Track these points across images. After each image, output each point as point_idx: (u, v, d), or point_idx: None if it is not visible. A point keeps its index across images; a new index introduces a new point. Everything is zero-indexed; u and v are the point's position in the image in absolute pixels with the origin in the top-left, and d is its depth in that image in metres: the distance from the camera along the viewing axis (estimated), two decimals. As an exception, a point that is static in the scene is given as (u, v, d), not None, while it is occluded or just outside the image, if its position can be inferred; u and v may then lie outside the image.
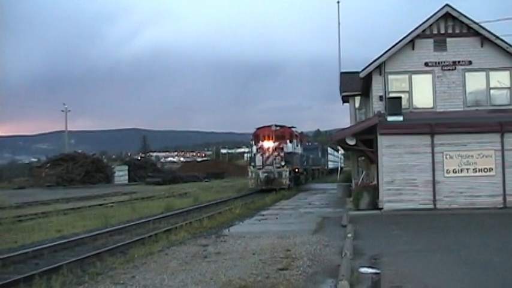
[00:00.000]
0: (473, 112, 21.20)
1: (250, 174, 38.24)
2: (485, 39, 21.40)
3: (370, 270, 9.60)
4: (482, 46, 21.51)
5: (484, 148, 20.37)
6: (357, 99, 28.32)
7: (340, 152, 74.70)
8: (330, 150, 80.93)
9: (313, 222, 18.47)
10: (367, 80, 22.91)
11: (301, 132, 48.15)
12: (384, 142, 20.69)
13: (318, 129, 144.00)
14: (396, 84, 21.96)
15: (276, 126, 39.55)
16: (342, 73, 29.60)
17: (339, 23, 32.57)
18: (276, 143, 38.02)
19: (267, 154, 37.71)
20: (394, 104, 20.93)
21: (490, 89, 21.57)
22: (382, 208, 20.34)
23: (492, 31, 21.44)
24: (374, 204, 20.85)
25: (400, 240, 13.75)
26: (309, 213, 22.12)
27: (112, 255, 12.83)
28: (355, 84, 25.93)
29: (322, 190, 39.01)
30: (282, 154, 37.56)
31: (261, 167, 37.38)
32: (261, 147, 38.20)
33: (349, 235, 14.05)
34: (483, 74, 21.53)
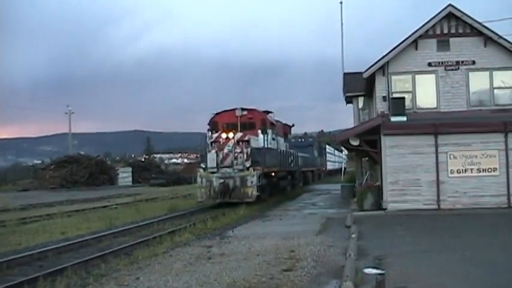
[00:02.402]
0: (477, 112, 21.15)
1: (199, 180, 25.94)
2: (488, 38, 21.36)
3: (374, 270, 9.59)
4: (485, 46, 21.46)
5: (488, 148, 20.32)
6: (361, 100, 28.26)
7: (344, 153, 69.73)
8: (329, 148, 73.92)
9: (317, 223, 18.46)
10: (371, 81, 22.88)
11: (285, 124, 36.29)
12: (387, 142, 20.66)
13: (322, 130, 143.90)
14: (400, 84, 21.93)
15: (243, 110, 28.28)
16: (345, 73, 29.55)
17: (342, 24, 32.53)
18: (240, 135, 26.75)
19: (225, 150, 25.89)
20: (397, 104, 20.90)
21: (494, 88, 21.51)
22: (386, 209, 20.31)
23: (495, 31, 21.40)
24: (378, 205, 20.82)
25: (405, 240, 13.72)
26: (312, 214, 22.12)
27: (116, 256, 12.85)
28: (359, 85, 25.90)
29: (327, 191, 38.92)
30: (247, 150, 25.62)
31: (215, 169, 25.50)
32: (217, 141, 26.64)
33: (353, 236, 14.03)
34: (486, 73, 21.48)
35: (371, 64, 21.90)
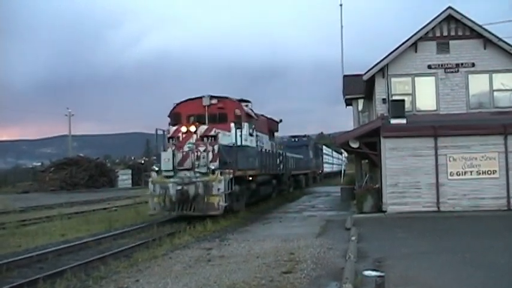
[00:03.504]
0: (477, 114, 21.17)
1: (150, 187, 20.43)
2: (488, 41, 21.38)
3: (374, 273, 9.58)
4: (485, 48, 21.48)
5: (488, 150, 20.33)
6: (360, 102, 28.27)
7: (343, 155, 69.77)
8: (326, 149, 70.57)
9: (316, 225, 18.46)
10: (370, 83, 22.89)
11: (271, 119, 30.52)
12: (387, 145, 20.67)
13: (322, 132, 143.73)
14: (399, 86, 21.95)
15: (212, 98, 23.03)
16: (345, 76, 29.58)
17: (341, 26, 32.59)
18: (204, 128, 21.28)
19: (185, 148, 20.41)
20: (397, 106, 20.92)
21: (493, 91, 21.52)
22: (385, 211, 20.30)
23: (495, 33, 21.44)
24: (378, 207, 20.82)
25: (404, 242, 13.72)
26: (312, 216, 22.12)
27: (116, 259, 12.85)
28: (358, 87, 25.92)
29: (326, 193, 38.90)
30: (214, 148, 20.09)
31: (172, 173, 20.04)
32: (175, 136, 21.42)
33: (353, 238, 14.03)
34: (486, 76, 21.50)
35: (371, 66, 21.93)
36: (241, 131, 22.13)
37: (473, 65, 21.50)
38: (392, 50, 21.70)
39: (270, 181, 29.10)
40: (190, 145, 20.52)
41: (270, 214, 23.61)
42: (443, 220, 18.23)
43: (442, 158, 20.39)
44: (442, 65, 21.59)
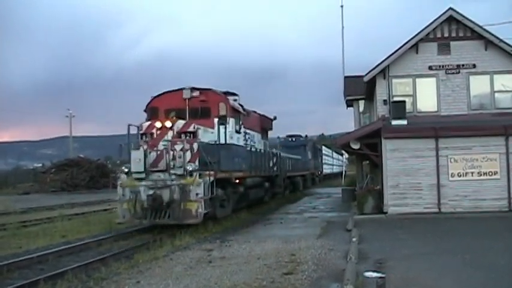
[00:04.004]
0: (478, 115, 21.15)
1: (119, 191, 18.06)
2: (489, 42, 21.38)
3: (375, 274, 9.58)
4: (486, 49, 21.48)
5: (489, 151, 20.30)
6: (361, 103, 28.29)
7: (344, 156, 68.16)
8: (326, 150, 68.42)
9: (317, 226, 18.46)
10: (371, 84, 22.89)
11: (263, 116, 27.89)
12: (388, 146, 20.65)
13: (322, 133, 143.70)
14: (400, 88, 21.94)
15: (194, 90, 20.55)
16: (345, 77, 29.57)
17: (342, 27, 32.61)
18: (182, 123, 18.50)
19: (159, 147, 18.03)
20: (398, 107, 20.90)
21: (494, 92, 21.51)
22: (386, 212, 20.28)
23: (496, 34, 21.44)
24: (379, 208, 20.80)
25: (405, 244, 13.71)
26: (313, 217, 22.11)
27: (117, 260, 12.85)
28: (359, 88, 25.92)
29: (327, 194, 38.86)
30: (193, 147, 17.71)
31: (144, 174, 17.79)
32: (149, 133, 18.55)
33: (354, 239, 14.03)
34: (487, 77, 21.49)
35: (372, 67, 21.93)
36: (225, 128, 19.56)
37: (474, 66, 21.49)
38: (393, 51, 21.70)
39: (261, 184, 26.73)
40: (165, 143, 17.98)
41: (271, 215, 23.60)
42: (444, 221, 18.22)
43: (443, 159, 20.37)
44: (443, 66, 21.59)
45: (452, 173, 20.33)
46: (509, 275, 9.83)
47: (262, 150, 26.53)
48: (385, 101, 21.74)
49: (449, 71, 21.56)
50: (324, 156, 64.14)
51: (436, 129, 20.45)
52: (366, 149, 21.60)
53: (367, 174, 26.73)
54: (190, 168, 17.39)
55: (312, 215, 23.35)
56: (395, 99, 21.45)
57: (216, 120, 19.76)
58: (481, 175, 20.27)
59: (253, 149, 24.14)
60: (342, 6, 32.64)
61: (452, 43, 21.67)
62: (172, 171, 17.57)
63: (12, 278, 11.40)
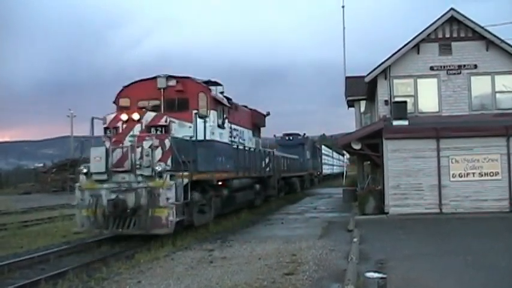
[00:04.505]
0: (479, 116, 21.14)
1: (77, 195, 15.57)
2: (490, 42, 21.37)
3: (376, 274, 9.57)
4: (487, 50, 21.47)
5: (490, 152, 20.30)
6: (362, 104, 28.29)
7: (345, 156, 66.64)
8: (326, 149, 66.38)
9: (318, 226, 18.45)
10: (372, 85, 22.88)
11: (255, 111, 25.85)
12: (389, 146, 20.64)
13: (324, 134, 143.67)
14: (401, 88, 21.94)
15: (170, 78, 18.37)
16: (347, 77, 29.57)
17: (344, 28, 32.84)
18: (151, 116, 16.09)
19: (125, 143, 15.47)
20: (399, 108, 20.90)
21: (496, 92, 21.50)
22: (387, 213, 20.27)
23: (497, 35, 21.44)
24: (380, 209, 20.80)
25: (406, 244, 13.70)
26: (314, 217, 22.10)
27: (118, 260, 12.84)
28: (361, 89, 25.92)
29: (328, 194, 38.84)
30: (164, 143, 15.40)
31: (105, 176, 15.33)
32: (114, 126, 16.03)
33: (355, 240, 14.02)
34: (488, 77, 21.48)
35: (373, 68, 21.92)
36: (205, 122, 16.98)
37: (475, 66, 21.48)
38: (394, 51, 21.70)
39: (251, 186, 24.31)
40: (131, 138, 15.34)
41: (271, 215, 23.60)
42: (445, 222, 18.21)
43: (444, 159, 20.36)
44: (444, 67, 21.58)
45: (453, 174, 20.32)
46: (511, 277, 9.81)
47: (253, 149, 24.38)
48: (386, 101, 21.74)
49: (451, 72, 21.55)
50: (323, 156, 61.66)
51: (437, 129, 20.44)
52: (367, 149, 21.59)
53: (368, 175, 26.74)
54: (160, 169, 14.78)
55: (313, 215, 23.34)
56: (397, 99, 21.45)
57: (192, 113, 17.05)
58: (482, 176, 20.26)
59: (240, 147, 21.81)
60: (343, 7, 32.62)
61: (453, 43, 21.65)
62: (138, 172, 15.00)
63: (14, 278, 11.41)
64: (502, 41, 21.24)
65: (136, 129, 15.66)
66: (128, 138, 15.48)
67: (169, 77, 18.34)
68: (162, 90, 18.29)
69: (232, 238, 16.24)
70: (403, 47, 21.63)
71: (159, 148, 15.21)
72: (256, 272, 10.77)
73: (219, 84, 20.09)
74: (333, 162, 74.69)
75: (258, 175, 24.90)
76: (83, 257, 13.89)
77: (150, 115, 16.05)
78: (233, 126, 21.26)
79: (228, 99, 20.80)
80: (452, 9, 21.45)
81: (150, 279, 10.49)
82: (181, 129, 16.69)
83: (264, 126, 28.09)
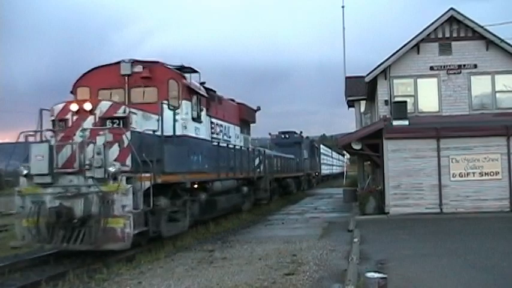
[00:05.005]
0: (479, 116, 21.14)
1: (17, 202, 13.10)
2: (490, 42, 21.37)
3: (376, 275, 9.54)
4: (487, 49, 21.47)
5: (490, 152, 20.29)
6: (363, 104, 28.31)
7: (346, 156, 64.66)
8: (325, 149, 64.39)
9: (319, 227, 18.46)
10: (373, 85, 22.88)
11: (242, 105, 23.19)
12: (389, 146, 20.64)
13: (324, 134, 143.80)
14: (401, 88, 21.94)
15: (136, 64, 15.83)
16: (347, 78, 29.60)
17: (343, 28, 32.83)
18: (107, 105, 13.35)
19: (75, 138, 12.86)
20: (399, 108, 20.90)
21: (496, 92, 21.50)
22: (388, 212, 20.27)
23: (497, 34, 21.43)
24: (380, 209, 20.80)
25: (407, 244, 13.69)
26: (314, 217, 22.10)
27: (118, 261, 12.82)
28: (361, 89, 25.93)
29: (329, 195, 38.84)
30: (122, 139, 12.60)
31: (49, 178, 12.66)
32: (62, 118, 13.26)
33: (356, 240, 14.02)
34: (488, 77, 21.48)
35: (373, 68, 21.93)
36: (174, 114, 14.83)
37: (475, 66, 21.48)
38: (394, 51, 21.70)
39: (238, 188, 21.87)
40: (83, 133, 12.88)
41: (272, 216, 23.61)
42: (446, 222, 18.20)
43: (444, 159, 20.36)
44: (444, 67, 21.58)
45: (453, 174, 20.32)
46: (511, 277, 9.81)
47: (240, 147, 21.94)
48: (386, 101, 21.74)
49: (451, 71, 21.54)
50: (322, 156, 59.42)
51: (438, 129, 20.43)
52: (368, 149, 21.59)
53: (369, 175, 26.75)
54: (113, 170, 12.19)
55: (313, 215, 23.34)
56: (397, 99, 21.45)
57: (164, 103, 14.48)
58: (482, 175, 20.26)
59: (223, 144, 19.35)
60: (343, 7, 32.70)
61: (453, 43, 21.66)
62: (88, 174, 12.43)
63: (14, 279, 11.39)
64: (502, 40, 21.24)
65: (89, 121, 13.02)
66: (78, 133, 12.90)
67: (135, 62, 15.73)
68: (126, 77, 15.63)
69: (233, 238, 16.25)
70: (403, 46, 21.63)
71: (116, 145, 12.57)
72: (257, 272, 10.77)
73: (195, 71, 17.31)
74: (332, 162, 73.57)
75: (245, 176, 22.47)
76: (83, 258, 13.69)
77: (105, 105, 13.30)
78: (215, 120, 18.93)
79: (211, 90, 18.70)
80: (452, 9, 21.45)
81: (150, 280, 10.49)
82: (145, 122, 13.91)
83: (254, 122, 25.56)
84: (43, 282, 10.42)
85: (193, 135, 16.26)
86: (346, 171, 61.17)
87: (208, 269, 11.40)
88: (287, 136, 44.05)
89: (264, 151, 27.71)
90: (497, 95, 21.53)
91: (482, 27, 21.45)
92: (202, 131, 17.11)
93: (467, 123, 20.60)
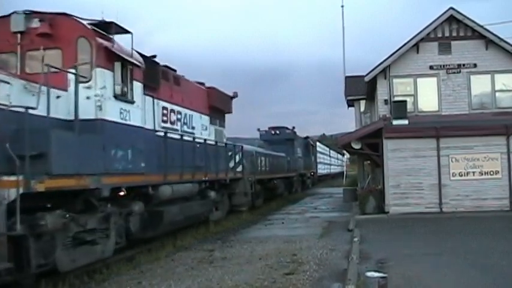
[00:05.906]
0: (479, 115, 21.14)
1: None
2: (489, 41, 21.36)
3: (376, 274, 9.56)
4: (487, 49, 21.46)
5: (490, 151, 20.31)
6: (362, 103, 28.30)
7: (346, 156, 62.57)
8: (322, 147, 60.38)
9: (319, 226, 18.46)
10: (372, 84, 22.88)
11: (212, 89, 18.91)
12: (389, 146, 20.65)
13: (324, 133, 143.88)
14: (401, 87, 21.93)
15: (34, 15, 10.71)
16: (347, 77, 29.59)
17: (343, 28, 32.68)
18: None
19: None
20: (399, 107, 20.90)
21: (496, 91, 21.49)
22: (388, 212, 20.28)
23: (497, 34, 21.42)
24: (380, 208, 20.80)
25: (407, 244, 13.70)
26: (314, 217, 22.10)
27: (118, 261, 12.81)
28: (360, 88, 25.91)
29: (329, 194, 38.83)
30: None
31: None
32: None
33: (356, 239, 14.03)
34: (488, 76, 21.47)
35: (372, 67, 21.92)
36: (77, 86, 10.34)
37: (475, 65, 21.47)
38: (394, 51, 21.69)
39: (202, 194, 17.54)
40: None
41: (272, 216, 23.61)
42: (446, 221, 18.20)
43: (444, 158, 20.37)
44: (443, 66, 21.57)
45: (453, 173, 20.33)
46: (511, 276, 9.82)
47: (205, 140, 17.33)
48: (386, 100, 21.73)
49: (450, 71, 21.54)
50: (319, 155, 54.32)
51: (437, 128, 20.44)
52: (367, 148, 21.59)
53: (369, 174, 26.74)
54: None
55: (313, 215, 23.35)
56: (396, 99, 21.45)
57: (71, 74, 10.38)
58: (482, 175, 20.28)
59: (176, 136, 14.99)
60: (342, 7, 32.66)
61: (453, 43, 21.64)
62: None
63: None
64: (502, 39, 21.23)
65: None
66: None
67: (31, 14, 10.87)
68: (19, 35, 10.88)
69: (233, 238, 16.25)
70: (402, 46, 21.62)
71: None
72: (257, 272, 10.77)
73: (126, 31, 12.11)
74: (330, 161, 70.65)
75: (214, 178, 18.14)
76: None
77: None
78: (169, 105, 14.91)
79: (170, 68, 15.37)
80: (451, 8, 21.43)
81: (150, 280, 10.49)
82: (30, 98, 9.10)
83: (231, 112, 21.18)
84: (43, 282, 10.40)
85: (117, 119, 11.44)
86: (346, 171, 60.81)
87: (208, 269, 11.39)
88: (278, 132, 38.90)
89: (242, 147, 22.93)
90: (497, 94, 21.52)
91: (481, 26, 21.44)
92: (135, 115, 12.21)
93: (467, 123, 20.60)
